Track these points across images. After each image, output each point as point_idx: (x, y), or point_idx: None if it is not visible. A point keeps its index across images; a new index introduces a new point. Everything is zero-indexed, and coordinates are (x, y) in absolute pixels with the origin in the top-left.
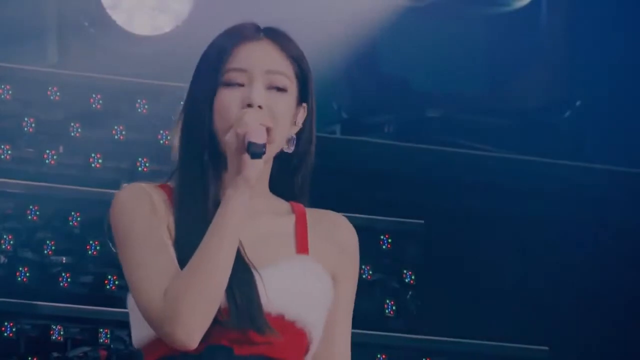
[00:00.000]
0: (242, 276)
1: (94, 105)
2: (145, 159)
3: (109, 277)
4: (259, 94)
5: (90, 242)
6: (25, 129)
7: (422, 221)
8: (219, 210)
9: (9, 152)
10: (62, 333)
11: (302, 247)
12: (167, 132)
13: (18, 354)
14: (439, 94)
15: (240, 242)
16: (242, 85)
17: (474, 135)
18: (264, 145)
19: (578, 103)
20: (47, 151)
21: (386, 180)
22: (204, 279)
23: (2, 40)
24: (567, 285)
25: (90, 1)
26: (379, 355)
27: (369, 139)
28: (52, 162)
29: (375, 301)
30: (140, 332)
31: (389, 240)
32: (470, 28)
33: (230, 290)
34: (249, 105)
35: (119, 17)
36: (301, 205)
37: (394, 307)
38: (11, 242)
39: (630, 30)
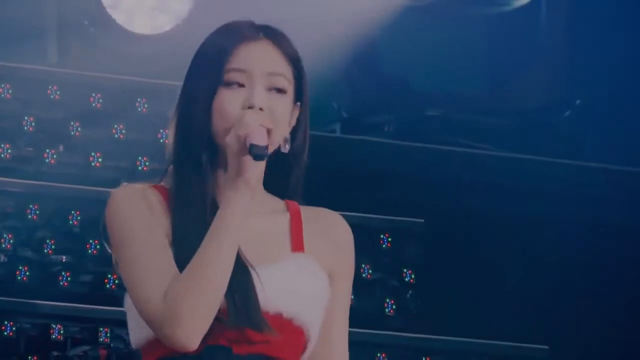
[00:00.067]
0: (239, 275)
1: (94, 105)
2: (145, 158)
3: (109, 276)
4: (260, 96)
5: (90, 241)
6: (25, 128)
7: (422, 220)
8: (219, 213)
9: (9, 151)
10: (62, 332)
11: (297, 245)
12: (167, 131)
13: (18, 353)
14: (439, 94)
15: None
16: (242, 85)
17: (474, 135)
18: (267, 147)
19: (578, 103)
20: (47, 150)
21: (386, 180)
22: (203, 281)
23: (2, 39)
24: (567, 285)
25: (90, 1)
26: (378, 354)
27: (369, 139)
28: (52, 161)
29: (375, 300)
30: (138, 333)
31: (389, 240)
32: (470, 28)
33: (228, 289)
34: (250, 107)
35: (119, 17)
36: (295, 203)
37: (393, 306)
38: (11, 241)
39: (630, 30)
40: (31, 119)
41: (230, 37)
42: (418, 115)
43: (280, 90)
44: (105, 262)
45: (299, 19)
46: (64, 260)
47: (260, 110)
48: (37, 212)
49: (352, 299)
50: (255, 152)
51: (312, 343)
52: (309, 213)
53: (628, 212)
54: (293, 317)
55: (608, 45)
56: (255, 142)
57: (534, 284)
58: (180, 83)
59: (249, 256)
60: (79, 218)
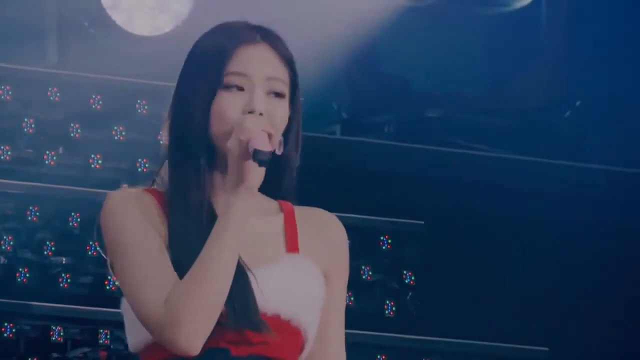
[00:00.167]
0: (237, 278)
1: (93, 106)
2: (145, 160)
3: (109, 277)
4: (260, 101)
5: (90, 242)
6: (25, 129)
7: (422, 221)
8: (221, 218)
9: (9, 152)
10: (62, 334)
11: (292, 245)
12: None
13: (18, 355)
14: (439, 94)
15: None
16: (241, 89)
17: (474, 136)
18: (271, 153)
19: (578, 103)
20: (47, 152)
21: (386, 181)
22: (205, 286)
23: (2, 40)
24: (567, 286)
25: (90, 1)
26: (378, 356)
27: (369, 139)
28: (52, 162)
29: (375, 302)
30: (136, 337)
31: (389, 241)
32: (470, 28)
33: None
34: (250, 112)
35: (118, 17)
36: (289, 204)
37: (393, 308)
38: (11, 242)
39: (630, 30)
40: (31, 120)
41: (229, 38)
42: (418, 115)
43: (279, 95)
44: (105, 263)
45: (299, 19)
46: (63, 261)
47: (260, 115)
48: (37, 213)
49: (352, 301)
50: (260, 158)
51: (310, 343)
52: (302, 213)
53: (628, 213)
54: (291, 318)
55: (608, 45)
56: (259, 147)
57: (534, 285)
58: None
59: (245, 258)
60: (78, 220)
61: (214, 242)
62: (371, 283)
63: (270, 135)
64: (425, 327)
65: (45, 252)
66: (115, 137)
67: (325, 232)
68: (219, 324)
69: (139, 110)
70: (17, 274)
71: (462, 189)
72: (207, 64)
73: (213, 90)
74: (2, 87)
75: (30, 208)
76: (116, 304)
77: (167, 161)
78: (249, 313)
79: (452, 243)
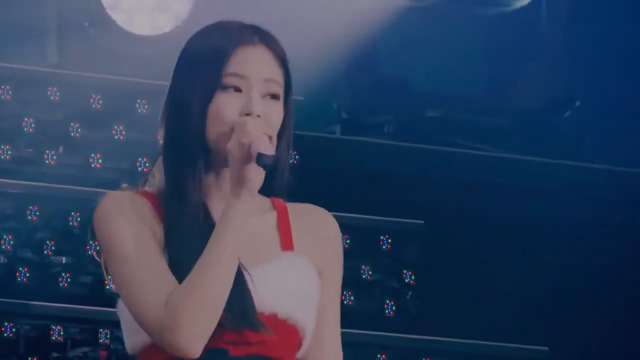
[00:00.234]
0: (234, 278)
1: (93, 106)
2: (145, 159)
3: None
4: (258, 103)
5: (90, 242)
6: (25, 129)
7: (422, 221)
8: (221, 220)
9: (9, 152)
10: (62, 333)
11: (286, 243)
12: None
13: (18, 354)
14: (439, 94)
15: None
16: (238, 90)
17: (474, 135)
18: (274, 156)
19: (578, 103)
20: (47, 151)
21: (386, 180)
22: (204, 290)
23: (2, 40)
24: (567, 285)
25: (90, 1)
26: (378, 355)
27: (369, 139)
28: (52, 162)
29: (375, 301)
30: (133, 338)
31: (389, 241)
32: (470, 28)
33: None
34: (247, 114)
35: (118, 17)
36: (281, 201)
37: (393, 307)
38: (11, 242)
39: (630, 30)
40: (31, 120)
41: (227, 39)
42: (418, 115)
43: (275, 97)
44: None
45: (299, 19)
46: (63, 261)
47: (257, 117)
48: (37, 213)
49: (352, 300)
50: (264, 162)
51: (307, 340)
52: (295, 210)
53: (628, 213)
54: (288, 317)
55: (608, 45)
56: (262, 151)
57: (534, 285)
58: None
59: (241, 258)
60: (78, 219)
61: (215, 245)
62: (371, 283)
63: (270, 138)
64: (425, 327)
65: (45, 252)
66: (115, 137)
67: (319, 228)
68: (217, 324)
69: (139, 110)
70: (17, 274)
71: (462, 189)
72: (204, 63)
73: (211, 91)
74: (2, 86)
75: (30, 208)
76: (116, 303)
77: (160, 160)
78: (247, 313)
79: (452, 243)
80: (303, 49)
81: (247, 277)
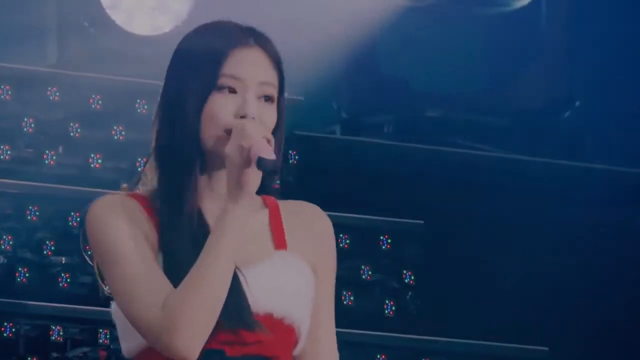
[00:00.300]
0: None
1: (93, 106)
2: (144, 159)
3: None
4: (254, 106)
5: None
6: (25, 129)
7: (422, 221)
8: (218, 224)
9: (9, 152)
10: (61, 333)
11: (279, 242)
12: None
13: (17, 355)
14: (439, 94)
15: None
16: (233, 91)
17: (474, 136)
18: (275, 161)
19: (578, 103)
20: (47, 151)
21: (386, 180)
22: (202, 292)
23: (2, 40)
24: (567, 285)
25: (90, 1)
26: (378, 356)
27: (369, 139)
28: (52, 162)
29: (374, 301)
30: (129, 342)
31: (389, 241)
32: (470, 28)
33: None
34: (242, 116)
35: (118, 17)
36: (273, 199)
37: (393, 308)
38: (10, 242)
39: (630, 30)
40: (31, 120)
41: (223, 40)
42: (418, 115)
43: (269, 99)
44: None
45: (299, 19)
46: (63, 261)
47: (252, 119)
48: (37, 213)
49: (352, 300)
50: (266, 167)
51: (303, 338)
52: (287, 207)
53: (628, 213)
54: (283, 317)
55: (608, 45)
56: (263, 155)
57: (534, 285)
58: None
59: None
60: (78, 219)
61: (212, 248)
62: (371, 283)
63: (269, 142)
64: (425, 327)
65: (45, 252)
66: (115, 137)
67: (312, 225)
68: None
69: (139, 110)
70: (17, 274)
71: (462, 189)
72: (200, 64)
73: (207, 91)
74: (2, 86)
75: (30, 208)
76: None
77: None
78: (242, 313)
79: (452, 243)
80: (303, 49)
81: (240, 278)
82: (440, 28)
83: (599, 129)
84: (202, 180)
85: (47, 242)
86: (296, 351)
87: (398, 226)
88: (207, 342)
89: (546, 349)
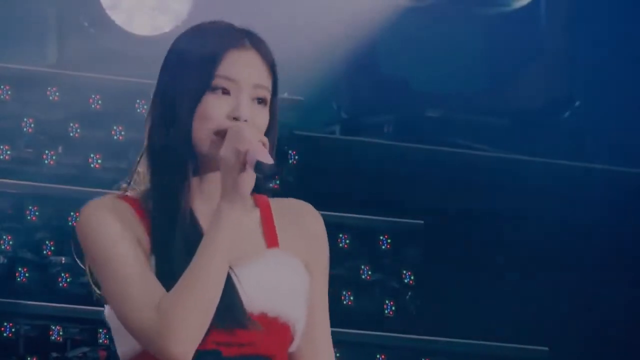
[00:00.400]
0: None
1: (93, 106)
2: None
3: None
4: (247, 108)
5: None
6: (25, 129)
7: (422, 221)
8: (212, 226)
9: (8, 152)
10: (61, 333)
11: (271, 240)
12: None
13: (17, 355)
14: (439, 94)
15: None
16: (227, 92)
17: (474, 136)
18: (273, 165)
19: (578, 103)
20: (47, 151)
21: (386, 181)
22: (196, 295)
23: (2, 40)
24: (567, 285)
25: (90, 1)
26: (378, 356)
27: (369, 139)
28: (52, 162)
29: (374, 301)
30: (124, 345)
31: (389, 241)
32: (470, 28)
33: None
34: (235, 118)
35: (118, 18)
36: (264, 197)
37: (393, 308)
38: (10, 242)
39: (630, 30)
40: (30, 120)
41: (218, 40)
42: (418, 115)
43: (262, 101)
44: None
45: (299, 19)
46: (63, 261)
47: (244, 122)
48: (37, 213)
49: (351, 300)
50: (264, 171)
51: (299, 335)
52: (278, 205)
53: (628, 213)
54: (278, 315)
55: (608, 45)
56: (261, 159)
57: (534, 285)
58: None
59: None
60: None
61: (205, 249)
62: (371, 283)
63: (264, 145)
64: (425, 327)
65: (44, 252)
66: (115, 137)
67: (303, 222)
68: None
69: (139, 110)
70: (17, 274)
71: (462, 189)
72: (195, 64)
73: (201, 92)
74: (2, 87)
75: (30, 208)
76: None
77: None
78: (234, 312)
79: (452, 243)
80: (303, 49)
81: (233, 277)
82: (440, 28)
83: (599, 129)
84: (194, 180)
85: (47, 242)
86: (292, 348)
87: (398, 226)
88: (203, 342)
89: (546, 349)
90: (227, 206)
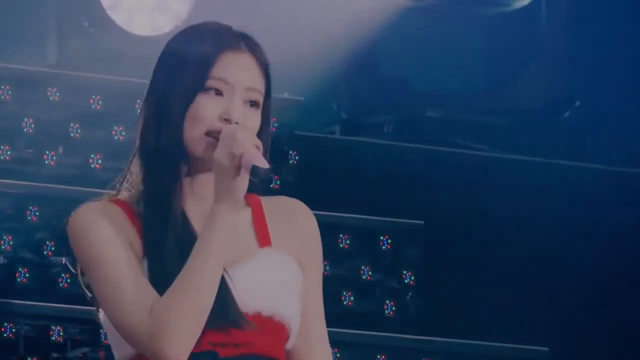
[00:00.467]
0: None
1: (93, 106)
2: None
3: None
4: (239, 110)
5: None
6: (25, 129)
7: (422, 221)
8: (206, 229)
9: (9, 152)
10: (61, 333)
11: (264, 240)
12: None
13: (18, 355)
14: (439, 94)
15: None
16: (220, 94)
17: (474, 136)
18: (268, 170)
19: (578, 103)
20: (47, 152)
21: (386, 181)
22: (190, 298)
23: (2, 40)
24: (567, 285)
25: (90, 1)
26: (378, 356)
27: (369, 139)
28: (52, 162)
29: (374, 301)
30: (121, 350)
31: (389, 241)
32: (470, 28)
33: None
34: (226, 119)
35: (118, 18)
36: (255, 196)
37: (393, 308)
38: (10, 242)
39: (630, 30)
40: (31, 120)
41: (213, 42)
42: (418, 115)
43: (254, 104)
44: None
45: (299, 19)
46: (63, 261)
47: (236, 124)
48: (37, 213)
49: (352, 301)
50: (260, 176)
51: (294, 333)
52: (270, 204)
53: (628, 213)
54: (272, 314)
55: (608, 45)
56: (257, 163)
57: (534, 285)
58: None
59: None
60: None
61: (200, 252)
62: (371, 283)
63: (258, 148)
64: (425, 327)
65: (45, 252)
66: (115, 137)
67: (295, 220)
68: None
69: (139, 110)
70: (17, 274)
71: (462, 189)
72: (190, 65)
73: (194, 92)
74: (2, 86)
75: (30, 208)
76: None
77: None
78: (227, 311)
79: (452, 243)
80: (303, 49)
81: (226, 277)
82: (440, 28)
83: (599, 129)
84: (185, 181)
85: (47, 242)
86: (288, 345)
87: (398, 226)
88: (198, 344)
89: (546, 349)
90: (221, 209)
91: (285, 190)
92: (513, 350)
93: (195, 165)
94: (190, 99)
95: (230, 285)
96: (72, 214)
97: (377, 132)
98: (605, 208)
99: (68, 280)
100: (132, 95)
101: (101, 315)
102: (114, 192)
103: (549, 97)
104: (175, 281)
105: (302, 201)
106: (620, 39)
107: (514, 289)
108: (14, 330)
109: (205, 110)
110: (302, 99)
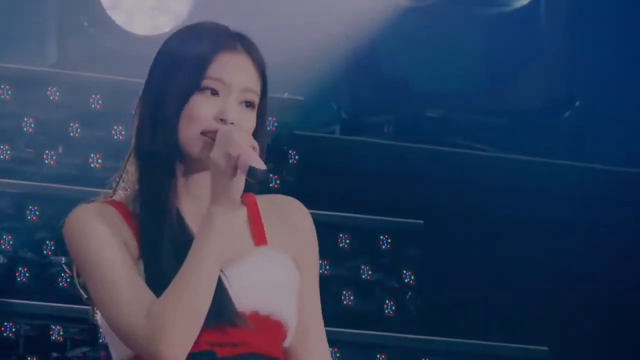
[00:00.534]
0: None
1: (93, 106)
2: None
3: None
4: (235, 111)
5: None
6: (25, 129)
7: (422, 221)
8: (203, 230)
9: (9, 152)
10: (61, 333)
11: (259, 238)
12: None
13: (18, 354)
14: (439, 94)
15: None
16: (216, 94)
17: (474, 135)
18: (265, 171)
19: (578, 103)
20: (47, 151)
21: (386, 180)
22: (187, 299)
23: (2, 40)
24: (567, 285)
25: (90, 1)
26: (378, 355)
27: (369, 139)
28: (52, 162)
29: (374, 301)
30: (120, 352)
31: (389, 241)
32: (470, 28)
33: None
34: (222, 120)
35: (118, 17)
36: (251, 195)
37: (393, 307)
38: (11, 242)
39: (630, 30)
40: (31, 120)
41: (210, 42)
42: (418, 115)
43: (250, 105)
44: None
45: (299, 19)
46: (63, 261)
47: (231, 124)
48: (37, 213)
49: (351, 300)
50: (257, 177)
51: (292, 331)
52: (265, 203)
53: (628, 213)
54: (270, 313)
55: (608, 45)
56: (253, 164)
57: (534, 285)
58: None
59: None
60: None
61: (196, 253)
62: (371, 282)
63: (254, 149)
64: (425, 327)
65: (44, 252)
66: (115, 137)
67: (290, 218)
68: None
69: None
70: (17, 274)
71: (462, 189)
72: (186, 64)
73: (189, 92)
74: (2, 86)
75: (30, 207)
76: None
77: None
78: (223, 309)
79: (452, 243)
80: (303, 49)
81: (222, 277)
82: (440, 28)
83: (599, 129)
84: (180, 181)
85: (47, 242)
86: (285, 344)
87: (398, 226)
88: (196, 344)
89: (546, 349)
90: (217, 210)
91: (286, 190)
92: (513, 349)
93: (191, 165)
94: (185, 99)
95: (227, 284)
96: (68, 215)
97: (377, 132)
98: (605, 208)
99: (68, 280)
100: (132, 95)
101: (98, 316)
102: (110, 192)
103: (549, 97)
104: (172, 282)
105: (302, 201)
106: (620, 39)
107: (514, 289)
108: (14, 329)
109: (201, 110)
110: (302, 99)
